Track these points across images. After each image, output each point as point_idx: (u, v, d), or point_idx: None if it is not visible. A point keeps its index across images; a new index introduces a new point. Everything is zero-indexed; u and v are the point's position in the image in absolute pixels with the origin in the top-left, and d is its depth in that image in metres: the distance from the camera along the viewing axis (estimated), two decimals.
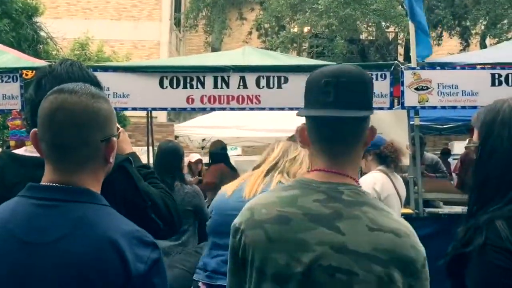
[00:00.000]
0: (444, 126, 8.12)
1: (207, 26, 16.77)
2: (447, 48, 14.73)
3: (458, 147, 9.56)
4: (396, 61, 4.90)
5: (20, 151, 1.59)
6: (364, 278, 1.18)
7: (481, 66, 4.64)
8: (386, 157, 3.93)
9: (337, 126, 1.25)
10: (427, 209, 4.69)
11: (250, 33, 15.84)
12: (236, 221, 1.34)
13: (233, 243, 1.33)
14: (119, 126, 1.80)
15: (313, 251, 1.20)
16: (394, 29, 15.02)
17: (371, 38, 16.41)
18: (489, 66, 4.60)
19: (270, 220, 1.26)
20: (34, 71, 4.42)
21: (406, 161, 4.55)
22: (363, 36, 16.35)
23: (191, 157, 7.88)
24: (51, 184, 1.15)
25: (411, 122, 4.82)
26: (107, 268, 1.09)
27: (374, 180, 3.84)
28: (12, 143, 4.73)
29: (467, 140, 1.49)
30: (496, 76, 4.46)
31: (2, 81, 4.63)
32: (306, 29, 14.23)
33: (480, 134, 1.42)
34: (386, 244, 1.20)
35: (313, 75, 1.31)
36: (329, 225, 1.21)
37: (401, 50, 16.04)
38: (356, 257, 1.18)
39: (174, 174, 3.75)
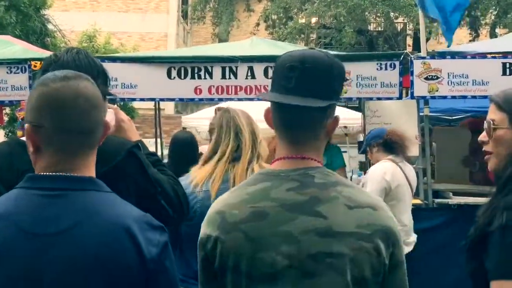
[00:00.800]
0: (453, 117, 8.05)
1: (214, 18, 16.74)
2: (456, 38, 14.48)
3: None
4: (405, 51, 4.84)
5: None
6: (355, 257, 1.16)
7: (492, 55, 4.58)
8: (393, 144, 3.87)
9: (295, 113, 1.21)
10: (437, 200, 4.66)
11: (257, 24, 15.78)
12: (205, 231, 1.25)
13: (204, 254, 1.24)
14: (126, 115, 1.81)
15: (299, 241, 1.16)
16: (403, 20, 14.90)
17: (379, 28, 16.30)
18: (500, 55, 4.54)
19: (245, 220, 1.19)
20: (42, 62, 4.42)
21: (415, 151, 4.51)
22: (371, 27, 16.24)
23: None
24: (52, 173, 1.13)
25: (421, 113, 4.78)
26: (123, 255, 1.08)
27: (384, 170, 3.79)
28: (19, 133, 4.75)
29: (487, 123, 1.47)
30: (507, 65, 4.40)
31: (11, 72, 4.63)
32: (314, 20, 14.16)
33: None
34: (367, 219, 1.19)
35: (281, 58, 1.26)
36: (309, 211, 1.18)
37: (409, 41, 15.91)
38: (343, 238, 1.16)
39: (192, 164, 3.74)
